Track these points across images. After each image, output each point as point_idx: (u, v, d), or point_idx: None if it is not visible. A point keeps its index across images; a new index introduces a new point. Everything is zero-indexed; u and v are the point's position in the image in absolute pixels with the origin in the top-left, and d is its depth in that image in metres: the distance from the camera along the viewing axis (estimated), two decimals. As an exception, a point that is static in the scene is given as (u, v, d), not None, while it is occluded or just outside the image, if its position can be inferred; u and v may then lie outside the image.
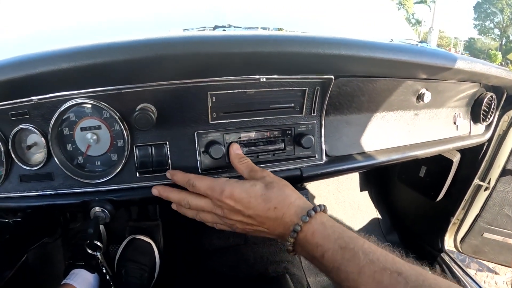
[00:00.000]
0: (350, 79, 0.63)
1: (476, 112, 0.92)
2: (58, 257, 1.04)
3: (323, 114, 0.63)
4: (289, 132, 0.62)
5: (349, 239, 0.44)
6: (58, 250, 1.03)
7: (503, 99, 0.95)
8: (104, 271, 0.61)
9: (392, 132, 0.76)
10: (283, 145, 0.61)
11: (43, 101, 0.53)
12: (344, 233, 0.45)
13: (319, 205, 0.48)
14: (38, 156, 0.58)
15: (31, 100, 0.52)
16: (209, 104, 0.56)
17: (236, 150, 0.58)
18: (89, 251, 0.55)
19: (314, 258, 0.46)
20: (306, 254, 0.47)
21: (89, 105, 0.55)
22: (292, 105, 0.61)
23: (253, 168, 0.55)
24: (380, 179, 1.44)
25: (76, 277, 0.91)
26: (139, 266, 0.97)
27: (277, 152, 0.62)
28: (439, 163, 1.07)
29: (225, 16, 0.94)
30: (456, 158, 1.05)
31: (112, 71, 0.48)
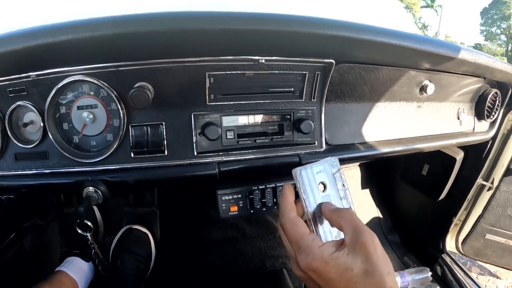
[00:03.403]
0: (352, 66, 0.62)
1: (480, 108, 0.90)
2: (54, 245, 1.03)
3: (324, 100, 0.62)
4: (288, 117, 0.61)
5: None
6: (55, 238, 1.03)
7: (508, 96, 0.94)
8: (93, 252, 0.60)
9: (395, 123, 0.75)
10: (281, 130, 0.60)
11: (41, 77, 0.53)
12: None
13: None
14: (33, 134, 0.58)
15: (29, 76, 0.52)
16: (207, 85, 0.55)
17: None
18: (79, 231, 0.54)
19: None
20: None
21: (87, 84, 0.54)
22: (292, 89, 0.60)
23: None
24: (381, 178, 1.42)
25: (70, 265, 0.90)
26: (135, 257, 0.96)
27: (275, 137, 0.60)
28: (442, 161, 1.05)
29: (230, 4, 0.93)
30: (459, 157, 1.03)
31: (110, 46, 0.48)
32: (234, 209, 0.60)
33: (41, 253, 1.01)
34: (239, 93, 0.57)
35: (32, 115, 0.57)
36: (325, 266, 0.38)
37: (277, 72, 0.57)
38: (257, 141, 0.59)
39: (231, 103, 0.58)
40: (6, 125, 0.57)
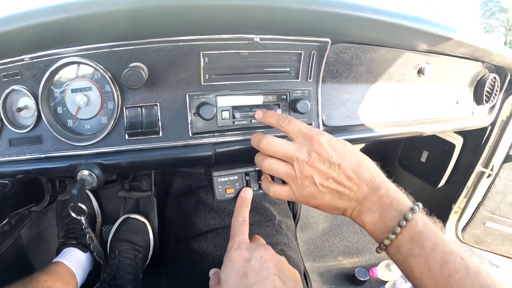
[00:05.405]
0: (348, 45, 0.61)
1: (479, 93, 0.90)
2: (52, 237, 1.03)
3: (320, 81, 0.62)
4: (284, 97, 0.60)
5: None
6: (52, 229, 1.03)
7: (507, 81, 0.93)
8: (88, 237, 0.59)
9: (393, 105, 0.74)
10: (278, 110, 0.59)
11: (34, 60, 0.52)
12: None
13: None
14: (28, 119, 0.57)
15: (22, 60, 0.52)
16: (202, 65, 0.54)
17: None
18: (73, 214, 0.53)
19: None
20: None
21: (81, 66, 0.54)
22: (288, 69, 0.59)
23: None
24: (380, 164, 1.41)
25: (67, 256, 0.90)
26: (133, 246, 0.95)
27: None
28: (441, 147, 1.05)
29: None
30: (458, 143, 1.03)
31: (104, 24, 0.47)
32: (230, 191, 0.59)
33: (38, 245, 1.01)
34: (234, 73, 0.57)
35: (26, 100, 0.56)
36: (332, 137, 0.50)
37: (272, 51, 0.56)
38: (253, 121, 0.59)
39: (226, 83, 0.57)
40: (0, 110, 0.56)
